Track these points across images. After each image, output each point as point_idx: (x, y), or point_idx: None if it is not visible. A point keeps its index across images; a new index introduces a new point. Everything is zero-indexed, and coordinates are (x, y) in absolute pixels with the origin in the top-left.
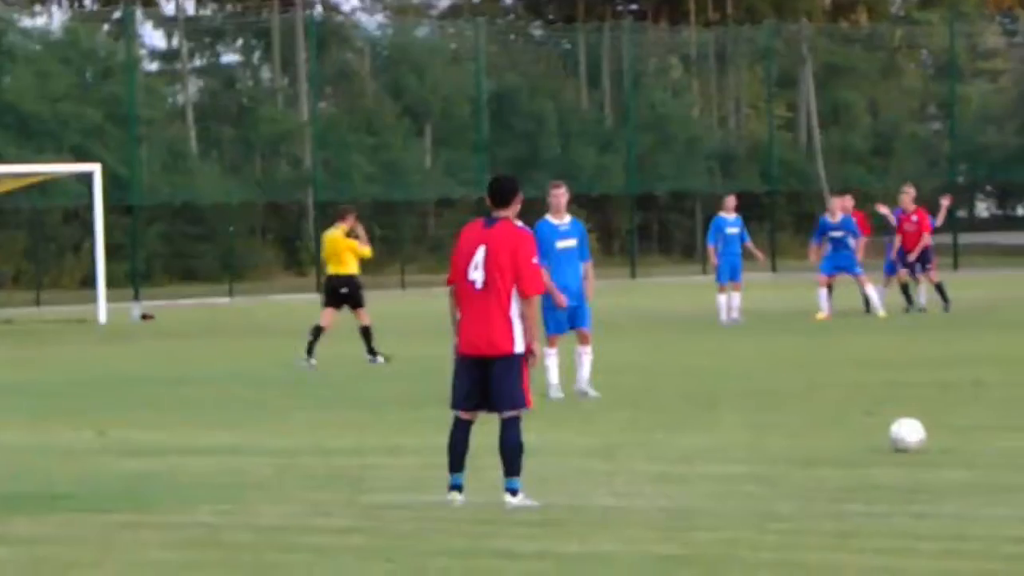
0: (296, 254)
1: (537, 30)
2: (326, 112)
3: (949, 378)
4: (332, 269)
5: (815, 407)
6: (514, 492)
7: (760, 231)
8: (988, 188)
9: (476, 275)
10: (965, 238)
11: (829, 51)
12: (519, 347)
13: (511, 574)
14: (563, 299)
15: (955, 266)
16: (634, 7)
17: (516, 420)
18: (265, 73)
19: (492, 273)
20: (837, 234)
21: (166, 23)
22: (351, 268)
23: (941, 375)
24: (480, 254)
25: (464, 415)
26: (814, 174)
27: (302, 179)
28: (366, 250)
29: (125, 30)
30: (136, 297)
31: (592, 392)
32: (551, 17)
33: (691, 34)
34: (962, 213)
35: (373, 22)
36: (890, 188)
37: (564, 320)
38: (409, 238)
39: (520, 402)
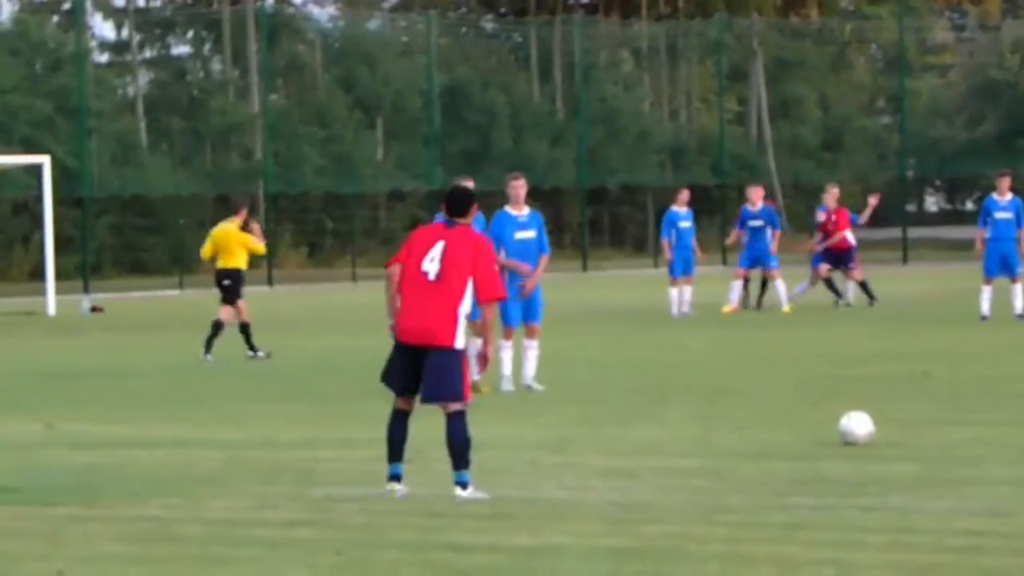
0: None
1: (489, 23)
2: (277, 104)
3: (897, 372)
4: (221, 262)
5: (764, 401)
6: (464, 485)
7: (711, 225)
8: (937, 182)
9: (431, 267)
10: (914, 232)
11: (779, 45)
12: (459, 343)
13: (462, 567)
14: (525, 267)
15: (904, 260)
16: (585, 1)
17: (460, 414)
18: (216, 65)
19: (448, 268)
20: (756, 223)
21: (116, 14)
22: (239, 262)
23: (889, 369)
24: (438, 248)
25: (401, 404)
26: (764, 168)
27: (253, 171)
28: (260, 246)
29: (75, 21)
30: (86, 289)
31: (537, 386)
32: (502, 10)
33: (642, 28)
34: (911, 207)
35: (324, 14)
36: (841, 181)
37: (519, 313)
38: (360, 231)
39: (459, 395)
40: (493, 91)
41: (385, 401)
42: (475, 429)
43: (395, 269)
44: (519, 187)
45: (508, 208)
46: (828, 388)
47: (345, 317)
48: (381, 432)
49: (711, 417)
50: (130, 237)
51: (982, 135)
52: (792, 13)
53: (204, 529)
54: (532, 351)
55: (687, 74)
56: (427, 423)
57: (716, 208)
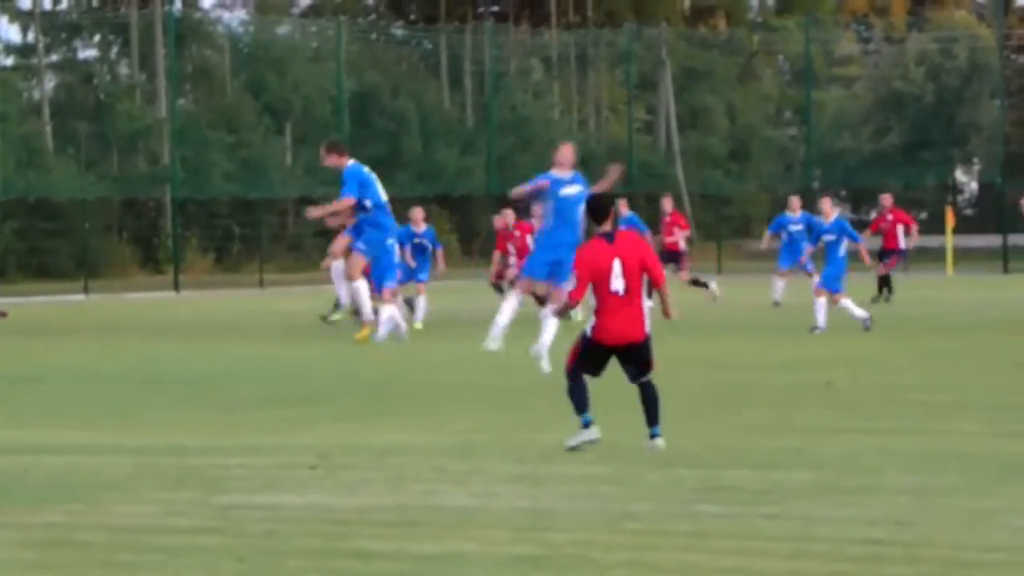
0: (153, 252)
1: (399, 30)
2: (185, 109)
3: (801, 380)
4: None
5: (670, 408)
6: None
7: None
8: (843, 193)
9: (618, 285)
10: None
11: (688, 55)
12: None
13: (365, 574)
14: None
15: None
16: (495, 9)
17: (650, 381)
18: (123, 69)
19: (630, 280)
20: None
21: (22, 17)
22: None
23: (793, 377)
24: (616, 267)
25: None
26: (673, 177)
27: (160, 176)
28: None
29: None
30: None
31: (545, 366)
32: (413, 17)
33: (552, 36)
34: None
35: (234, 19)
36: (747, 191)
37: (546, 269)
38: (268, 236)
39: (651, 366)
40: (403, 98)
41: (293, 407)
42: (381, 436)
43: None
44: (567, 150)
45: (553, 171)
46: (732, 395)
47: (253, 323)
48: (287, 439)
49: (619, 424)
50: (35, 241)
51: (887, 146)
52: (700, 23)
53: (108, 536)
54: (549, 321)
55: (596, 83)
56: (333, 430)
57: None
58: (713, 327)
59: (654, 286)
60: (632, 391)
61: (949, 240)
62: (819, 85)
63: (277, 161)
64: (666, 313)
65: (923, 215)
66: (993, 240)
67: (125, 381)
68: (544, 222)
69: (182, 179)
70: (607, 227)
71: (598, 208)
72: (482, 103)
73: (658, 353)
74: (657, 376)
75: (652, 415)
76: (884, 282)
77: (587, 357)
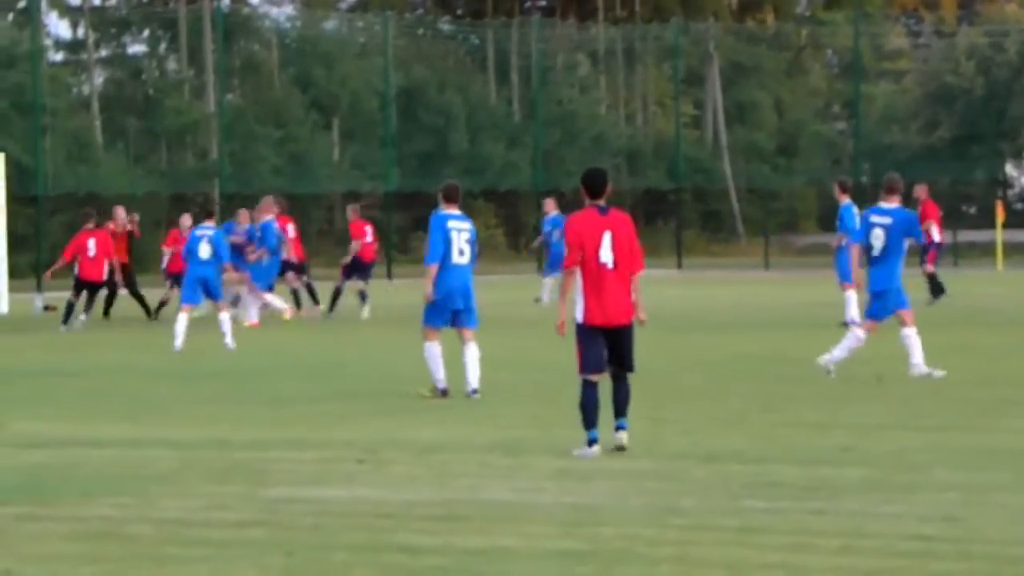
0: None
1: (446, 25)
2: (233, 104)
3: (851, 374)
4: None
5: (717, 404)
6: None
7: (666, 228)
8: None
9: (607, 257)
10: None
11: (735, 50)
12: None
13: (411, 568)
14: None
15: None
16: (542, 3)
17: (627, 379)
18: (171, 64)
19: (619, 255)
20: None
21: (72, 13)
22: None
23: (842, 372)
24: (607, 239)
25: (595, 377)
26: (720, 172)
27: (208, 171)
28: None
29: (30, 19)
30: (39, 288)
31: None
32: (460, 12)
33: (599, 31)
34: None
35: (281, 14)
36: (794, 186)
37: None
38: (316, 232)
39: (632, 367)
40: (450, 93)
41: (336, 402)
42: (425, 431)
43: (574, 269)
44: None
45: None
46: (781, 392)
47: (298, 317)
48: (331, 433)
49: (663, 419)
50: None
51: (936, 140)
52: (748, 18)
53: (155, 529)
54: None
55: (643, 78)
56: (376, 425)
57: (671, 211)
58: (761, 323)
59: (631, 270)
60: (691, 386)
61: (999, 235)
62: (868, 79)
63: (324, 156)
64: (638, 317)
65: (972, 210)
66: None
67: (168, 376)
68: None
69: (229, 174)
70: (601, 201)
71: (594, 181)
72: (528, 98)
73: (708, 349)
74: (706, 371)
75: (621, 408)
76: (932, 281)
77: (588, 347)
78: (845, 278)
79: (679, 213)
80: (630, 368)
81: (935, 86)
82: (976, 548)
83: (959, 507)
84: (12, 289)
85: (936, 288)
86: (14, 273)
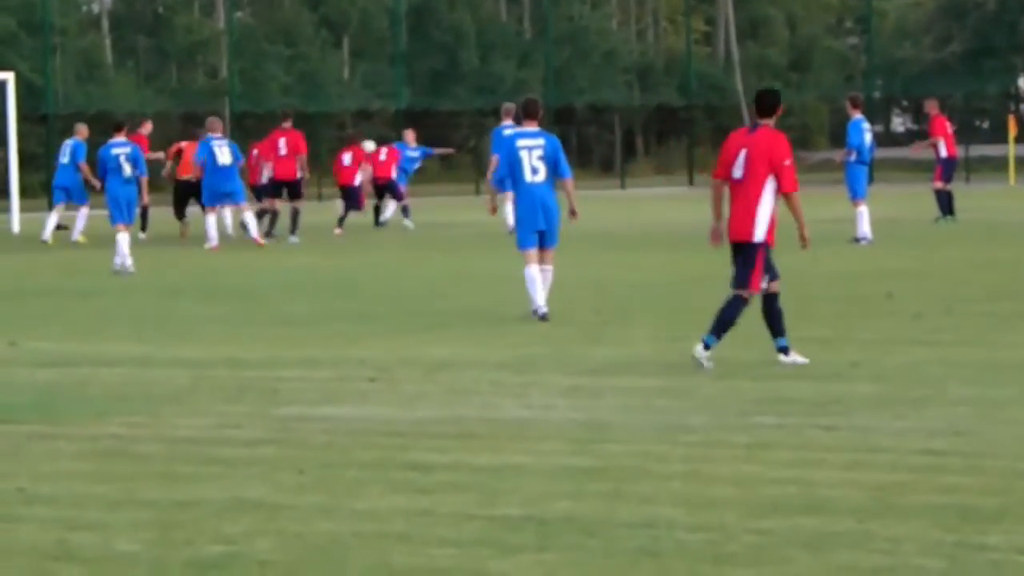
0: None
1: None
2: (243, 22)
3: (861, 292)
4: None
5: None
6: (707, 346)
7: (678, 145)
8: (904, 103)
9: (738, 172)
10: (881, 153)
11: None
12: (757, 237)
13: (422, 485)
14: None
15: (871, 180)
16: None
17: (737, 298)
18: None
19: (749, 170)
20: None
21: None
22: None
23: (853, 289)
24: (742, 156)
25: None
26: (732, 88)
27: (218, 89)
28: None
29: None
30: (50, 207)
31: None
32: None
33: None
34: (878, 128)
35: None
36: (806, 102)
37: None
38: (326, 150)
39: (745, 284)
40: (460, 10)
41: (347, 322)
42: (436, 350)
43: (717, 181)
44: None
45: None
46: (790, 308)
47: (308, 235)
48: (343, 352)
49: (674, 337)
50: (95, 154)
51: (949, 55)
52: None
53: (167, 447)
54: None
55: None
56: (388, 344)
57: (683, 129)
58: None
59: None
60: (701, 303)
61: (1012, 149)
62: None
63: (334, 75)
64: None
65: (985, 124)
66: None
67: (178, 295)
68: None
69: (240, 92)
70: (763, 120)
71: (756, 100)
72: (539, 15)
73: (714, 266)
74: (716, 288)
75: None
76: (940, 198)
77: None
78: (856, 195)
79: (691, 130)
80: (736, 285)
81: (947, 0)
82: (987, 463)
83: (969, 421)
84: (23, 208)
85: (944, 206)
86: (25, 192)
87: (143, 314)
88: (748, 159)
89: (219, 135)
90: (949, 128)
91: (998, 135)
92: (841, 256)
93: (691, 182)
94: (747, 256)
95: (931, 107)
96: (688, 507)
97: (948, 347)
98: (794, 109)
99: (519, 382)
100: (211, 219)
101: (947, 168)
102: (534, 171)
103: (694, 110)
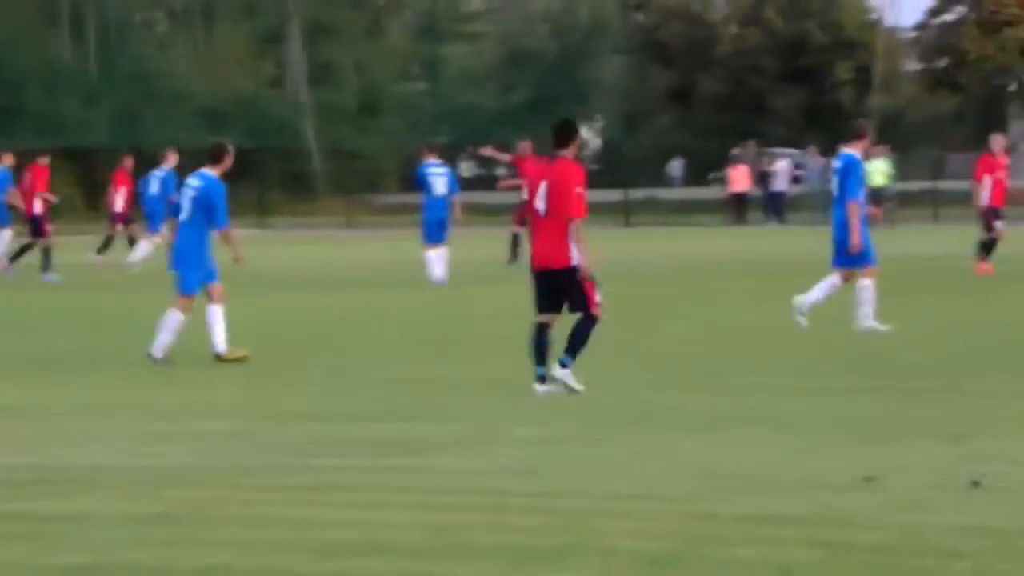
0: None
1: None
2: None
3: (428, 334)
4: None
5: (297, 364)
6: (564, 365)
7: (247, 188)
8: (471, 149)
9: (540, 204)
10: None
11: (316, 8)
12: (575, 260)
13: None
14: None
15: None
16: None
17: (592, 318)
18: None
19: (551, 203)
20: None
21: None
22: None
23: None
24: (542, 187)
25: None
26: (303, 131)
27: None
28: None
29: None
30: None
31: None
32: None
33: None
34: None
35: None
36: (376, 146)
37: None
38: None
39: (586, 305)
40: (23, 49)
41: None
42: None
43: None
44: None
45: None
46: (373, 349)
47: None
48: None
49: (247, 380)
50: None
51: (513, 102)
52: None
53: None
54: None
55: (223, 35)
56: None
57: (252, 171)
58: (344, 282)
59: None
60: (273, 346)
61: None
62: (446, 40)
63: None
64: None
65: None
66: (614, 195)
67: None
68: None
69: None
70: (559, 151)
71: (553, 130)
72: (106, 55)
73: (297, 311)
74: (297, 331)
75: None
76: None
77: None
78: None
79: (259, 173)
80: (575, 310)
81: (510, 49)
82: (551, 502)
83: (535, 461)
84: None
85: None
86: None
87: None
88: (549, 190)
89: None
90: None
91: None
92: (411, 296)
93: (262, 225)
94: (570, 280)
95: (524, 147)
96: (246, 550)
97: (506, 386)
98: (363, 153)
99: (84, 428)
100: None
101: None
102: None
103: (264, 152)
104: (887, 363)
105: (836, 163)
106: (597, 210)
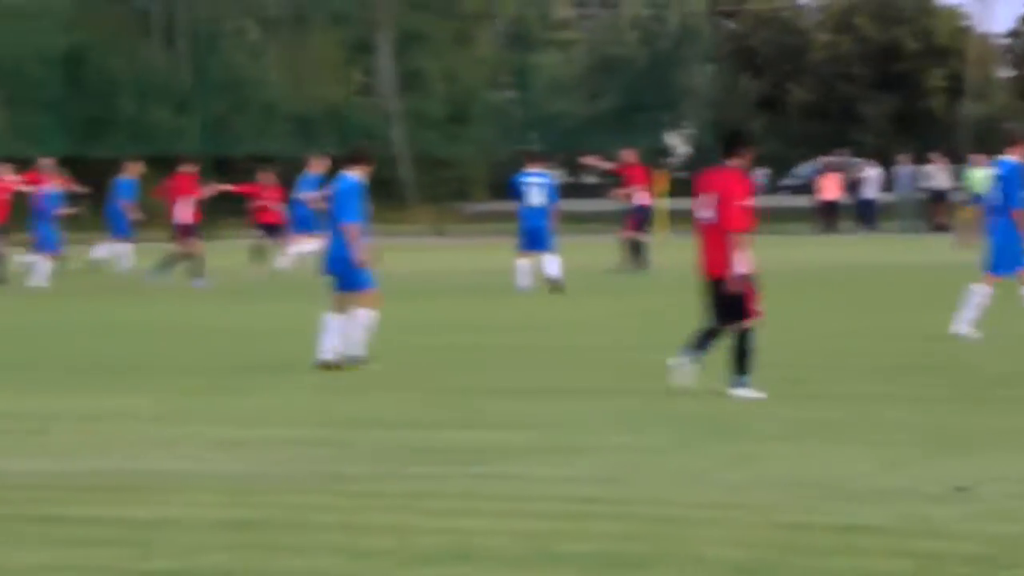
0: None
1: None
2: None
3: (518, 342)
4: None
5: (383, 371)
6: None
7: None
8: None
9: (707, 212)
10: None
11: (405, 17)
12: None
13: (73, 538)
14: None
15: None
16: None
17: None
18: None
19: (717, 212)
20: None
21: None
22: None
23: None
24: (708, 197)
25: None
26: (391, 139)
27: None
28: None
29: None
30: None
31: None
32: None
33: None
34: None
35: None
36: (465, 154)
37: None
38: None
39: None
40: (116, 56)
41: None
42: (86, 399)
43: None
44: None
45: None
46: (458, 357)
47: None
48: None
49: (329, 386)
50: None
51: (602, 110)
52: None
53: None
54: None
55: (313, 44)
56: (42, 395)
57: None
58: (436, 290)
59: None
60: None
61: (663, 202)
62: (535, 49)
63: None
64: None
65: None
66: None
67: None
68: None
69: None
70: (727, 161)
71: (723, 142)
72: (197, 62)
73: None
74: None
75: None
76: (633, 248)
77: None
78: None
79: None
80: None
81: (599, 56)
82: (635, 508)
83: (617, 469)
84: None
85: (637, 256)
86: None
87: None
88: (716, 200)
89: None
90: (646, 178)
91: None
92: (503, 305)
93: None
94: (728, 290)
95: (628, 155)
96: (346, 557)
97: (595, 395)
98: (453, 161)
99: (172, 434)
100: None
101: (644, 217)
102: None
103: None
104: (977, 372)
105: (997, 170)
106: (683, 219)
